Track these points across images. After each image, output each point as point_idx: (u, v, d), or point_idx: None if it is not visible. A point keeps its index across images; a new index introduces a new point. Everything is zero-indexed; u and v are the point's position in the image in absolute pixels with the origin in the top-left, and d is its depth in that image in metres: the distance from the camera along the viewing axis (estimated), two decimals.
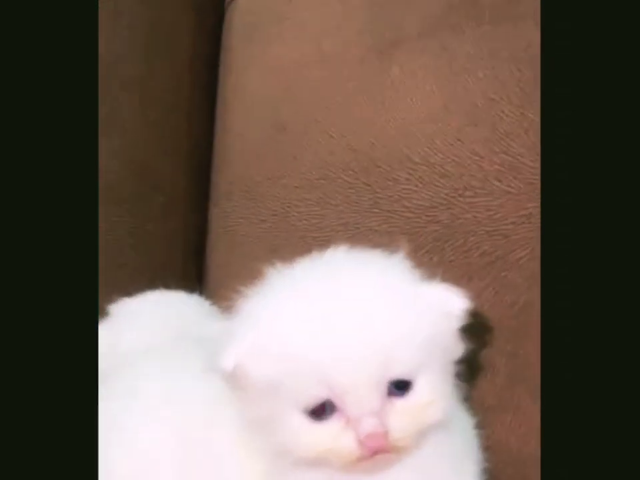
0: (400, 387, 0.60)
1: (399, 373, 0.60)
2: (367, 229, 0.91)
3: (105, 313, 0.91)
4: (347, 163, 0.94)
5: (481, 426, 0.73)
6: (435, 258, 0.87)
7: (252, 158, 1.04)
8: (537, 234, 0.82)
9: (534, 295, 0.82)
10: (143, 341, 0.86)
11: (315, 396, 0.59)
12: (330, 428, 0.60)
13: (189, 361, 0.77)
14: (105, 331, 0.88)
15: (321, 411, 0.59)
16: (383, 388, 0.59)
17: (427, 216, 0.88)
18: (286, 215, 0.99)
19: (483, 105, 0.86)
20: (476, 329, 0.63)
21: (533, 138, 0.83)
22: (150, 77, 1.13)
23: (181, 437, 0.69)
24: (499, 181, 0.85)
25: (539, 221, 0.82)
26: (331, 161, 0.95)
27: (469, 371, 0.66)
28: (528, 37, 0.85)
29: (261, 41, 1.05)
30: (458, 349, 0.63)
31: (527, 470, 0.83)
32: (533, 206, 0.83)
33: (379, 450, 0.59)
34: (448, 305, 0.62)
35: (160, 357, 0.79)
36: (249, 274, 0.89)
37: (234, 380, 0.61)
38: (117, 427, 0.71)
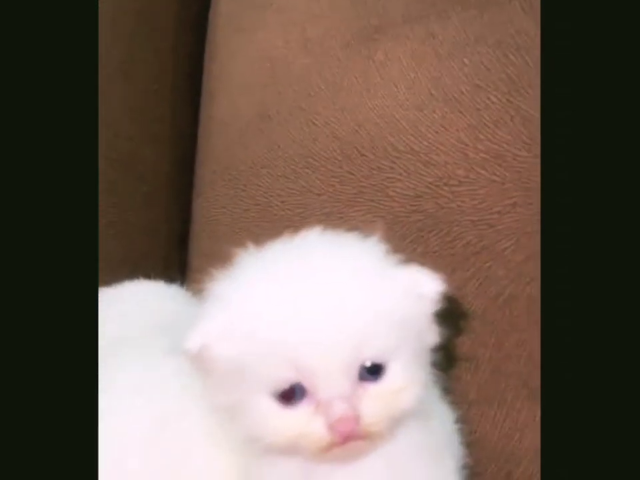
0: (372, 371, 0.59)
1: (370, 356, 0.58)
2: (351, 218, 0.90)
3: None
4: (331, 151, 0.92)
5: (463, 420, 0.72)
6: (419, 248, 0.86)
7: (236, 147, 1.02)
8: (522, 224, 0.81)
9: (518, 287, 0.81)
10: (121, 331, 0.86)
11: (284, 379, 0.58)
12: (299, 413, 0.58)
13: (163, 351, 0.77)
14: None
15: (291, 395, 0.58)
16: (355, 372, 0.58)
17: (411, 205, 0.87)
18: (269, 204, 0.97)
19: (468, 91, 0.84)
20: (451, 315, 0.62)
21: (519, 126, 0.82)
22: (133, 66, 1.12)
23: (151, 427, 0.68)
24: (484, 169, 0.83)
25: (524, 210, 0.81)
26: (315, 150, 0.94)
27: (448, 361, 0.65)
28: (515, 22, 0.84)
29: (245, 28, 1.04)
30: (433, 334, 0.61)
31: (509, 466, 0.82)
32: (518, 195, 0.82)
33: (349, 435, 0.58)
34: (421, 287, 0.60)
35: (134, 347, 0.79)
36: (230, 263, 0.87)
37: (200, 363, 0.60)
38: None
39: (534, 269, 0.80)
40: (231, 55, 1.05)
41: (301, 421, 0.58)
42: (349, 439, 0.58)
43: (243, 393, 0.59)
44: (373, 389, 0.59)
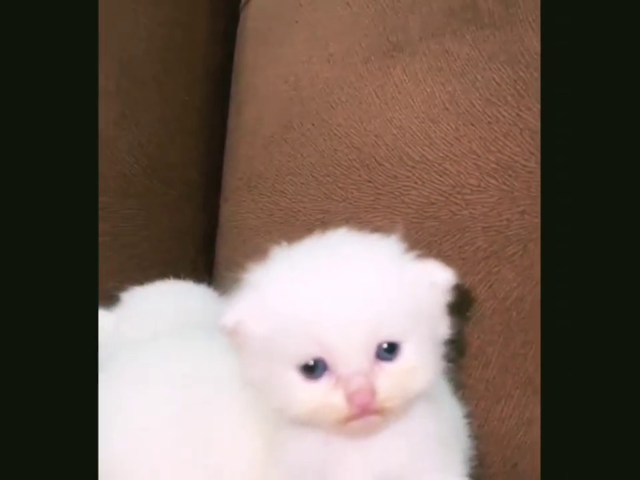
0: (389, 351, 0.64)
1: (386, 337, 0.64)
2: (369, 223, 0.94)
3: (116, 300, 0.94)
4: (351, 160, 0.97)
5: (472, 415, 0.75)
6: (433, 252, 0.89)
7: (261, 155, 1.06)
8: (529, 230, 0.85)
9: (525, 290, 0.85)
10: (151, 328, 0.89)
11: (308, 354, 0.63)
12: (321, 386, 0.64)
13: (191, 344, 0.81)
14: (114, 318, 0.91)
15: (313, 369, 0.63)
16: (372, 351, 0.63)
17: (425, 212, 0.91)
18: (292, 210, 1.02)
19: (480, 105, 0.88)
20: (461, 306, 0.67)
21: (528, 138, 0.86)
22: (166, 76, 1.16)
23: (180, 418, 0.72)
24: (495, 178, 0.88)
25: (532, 217, 0.85)
26: (336, 159, 0.98)
27: (458, 353, 0.69)
28: (525, 41, 0.88)
29: (272, 42, 1.08)
30: (444, 323, 0.67)
31: (516, 458, 0.85)
32: (526, 203, 0.86)
33: (366, 409, 0.63)
34: (435, 277, 0.66)
35: (163, 342, 0.82)
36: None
37: (234, 338, 0.66)
38: (116, 409, 0.73)
39: (540, 272, 0.84)
40: (258, 68, 1.10)
41: (322, 393, 0.63)
42: (365, 412, 0.63)
43: (271, 367, 0.65)
44: (389, 367, 0.64)
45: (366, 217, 0.95)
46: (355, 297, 0.63)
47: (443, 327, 0.67)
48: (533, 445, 0.84)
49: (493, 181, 0.88)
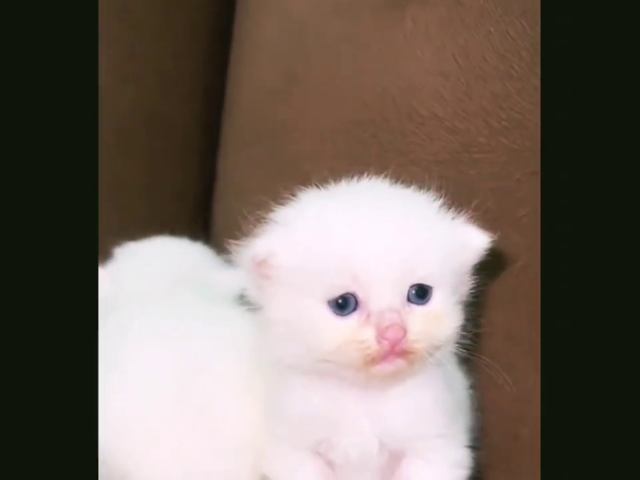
0: (419, 295, 0.65)
1: (420, 277, 0.65)
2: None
3: (110, 256, 0.92)
4: (356, 115, 0.94)
5: (474, 386, 0.76)
6: None
7: (263, 109, 1.04)
8: (539, 192, 0.82)
9: (533, 256, 0.82)
10: (145, 283, 0.88)
11: (340, 286, 0.64)
12: (351, 321, 0.64)
13: (188, 302, 0.79)
14: (108, 273, 0.89)
15: (345, 304, 0.64)
16: (404, 291, 0.64)
17: (432, 170, 0.87)
18: (294, 167, 0.99)
19: (492, 60, 0.85)
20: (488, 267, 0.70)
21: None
22: (166, 25, 1.14)
23: (180, 379, 0.72)
24: (505, 137, 0.84)
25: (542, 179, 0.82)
26: (341, 113, 0.95)
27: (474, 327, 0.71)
28: None
29: None
30: (468, 283, 0.69)
31: (518, 428, 0.83)
32: (537, 164, 0.82)
33: (395, 347, 0.63)
34: (471, 239, 0.69)
35: (161, 298, 0.82)
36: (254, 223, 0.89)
37: (264, 270, 0.65)
38: (114, 368, 0.73)
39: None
40: (262, 17, 1.06)
41: (353, 329, 0.64)
42: (394, 352, 0.63)
43: (300, 302, 0.65)
44: (419, 310, 0.65)
45: (371, 174, 0.92)
46: (393, 235, 0.64)
47: (466, 286, 0.69)
48: (535, 416, 0.82)
49: (503, 140, 0.84)
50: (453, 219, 0.69)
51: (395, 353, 0.63)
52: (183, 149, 1.15)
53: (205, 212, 1.14)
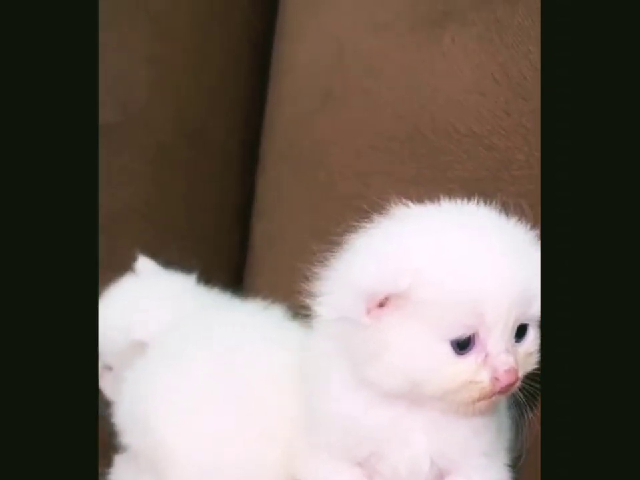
0: (520, 334, 0.65)
1: (529, 317, 0.64)
2: (410, 199, 0.91)
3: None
4: (393, 132, 0.94)
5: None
6: None
7: (301, 124, 1.04)
8: None
9: None
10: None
11: (468, 326, 0.62)
12: (470, 361, 0.63)
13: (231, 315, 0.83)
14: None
15: (466, 343, 0.63)
16: (515, 329, 0.64)
17: (470, 188, 0.87)
18: (331, 182, 0.99)
19: (532, 77, 0.84)
20: None
21: None
22: (206, 42, 1.14)
23: (224, 380, 0.74)
24: None
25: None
26: (378, 130, 0.95)
27: None
28: None
29: (316, 7, 1.05)
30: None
31: None
32: None
33: (507, 387, 0.63)
34: None
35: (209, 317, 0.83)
36: (292, 241, 0.90)
37: (395, 302, 0.62)
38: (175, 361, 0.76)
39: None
40: (301, 34, 1.07)
41: (471, 370, 0.63)
42: (503, 391, 0.64)
43: (422, 337, 0.63)
44: (520, 349, 0.65)
45: (407, 191, 0.92)
46: (517, 274, 0.63)
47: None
48: None
49: None
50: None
51: (502, 392, 0.64)
52: (223, 165, 1.15)
53: (243, 227, 1.14)
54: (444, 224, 0.66)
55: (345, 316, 0.64)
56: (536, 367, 0.66)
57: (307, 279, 0.68)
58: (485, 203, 0.71)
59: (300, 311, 0.73)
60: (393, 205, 0.69)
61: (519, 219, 0.68)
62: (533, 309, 0.64)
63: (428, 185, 0.90)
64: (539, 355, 0.66)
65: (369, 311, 0.63)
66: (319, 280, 0.67)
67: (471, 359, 0.63)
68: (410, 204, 0.69)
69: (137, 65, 1.10)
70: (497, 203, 0.70)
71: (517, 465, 0.73)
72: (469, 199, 0.85)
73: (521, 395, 0.67)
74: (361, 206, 0.97)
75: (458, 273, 0.62)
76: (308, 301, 0.68)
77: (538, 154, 0.84)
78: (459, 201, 0.69)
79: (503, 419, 0.72)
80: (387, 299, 0.62)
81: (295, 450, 0.72)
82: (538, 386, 0.68)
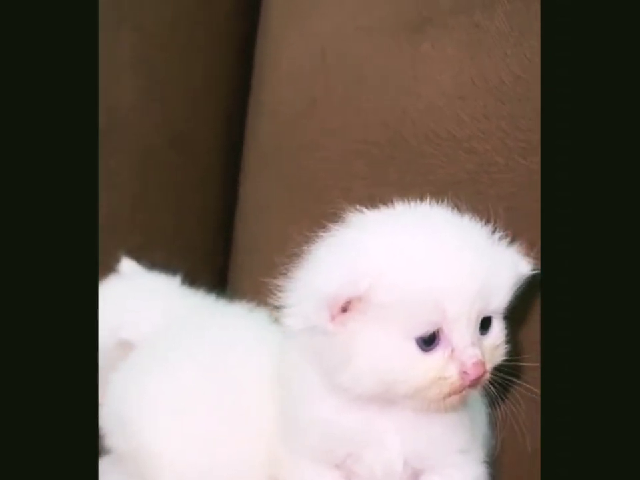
0: (484, 326, 0.66)
1: (493, 308, 0.66)
2: (392, 202, 0.92)
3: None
4: (376, 137, 0.95)
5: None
6: None
7: (284, 130, 1.05)
8: None
9: None
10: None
11: (430, 322, 0.64)
12: (437, 357, 0.64)
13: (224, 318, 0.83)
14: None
15: (432, 339, 0.64)
16: (479, 323, 0.66)
17: (450, 191, 0.88)
18: (314, 187, 1.00)
19: (510, 82, 0.85)
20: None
21: None
22: (190, 48, 1.15)
23: (216, 373, 0.75)
24: (524, 158, 0.84)
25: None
26: (361, 135, 0.96)
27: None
28: None
29: (299, 14, 1.06)
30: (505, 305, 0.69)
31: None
32: None
33: (475, 381, 0.64)
34: (521, 266, 0.69)
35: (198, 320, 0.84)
36: (275, 244, 0.90)
37: (355, 305, 0.64)
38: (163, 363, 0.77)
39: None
40: (283, 40, 1.08)
41: (440, 366, 0.64)
42: (472, 384, 0.65)
43: (387, 338, 0.64)
44: (485, 341, 0.66)
45: (390, 195, 0.93)
46: (476, 268, 0.65)
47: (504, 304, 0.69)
48: None
49: (521, 161, 0.85)
50: (504, 243, 0.70)
51: (473, 384, 0.65)
52: (207, 169, 1.16)
53: (226, 232, 1.15)
54: (399, 226, 0.67)
55: (312, 325, 0.65)
56: (504, 358, 0.67)
57: (272, 292, 0.70)
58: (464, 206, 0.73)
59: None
60: (348, 213, 0.71)
61: (487, 221, 0.70)
62: (495, 302, 0.66)
63: (410, 189, 0.90)
64: (506, 346, 0.67)
65: (333, 318, 0.64)
66: (284, 292, 0.68)
67: (437, 354, 0.64)
68: (364, 210, 0.71)
69: (122, 72, 1.11)
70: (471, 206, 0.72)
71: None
72: (449, 202, 0.87)
73: (492, 388, 0.68)
74: (343, 210, 0.99)
75: (416, 272, 0.63)
76: (276, 314, 0.70)
77: (517, 157, 0.85)
78: (412, 203, 0.71)
79: (477, 414, 0.73)
80: (349, 302, 0.63)
81: (276, 455, 0.73)
82: (510, 378, 0.69)
